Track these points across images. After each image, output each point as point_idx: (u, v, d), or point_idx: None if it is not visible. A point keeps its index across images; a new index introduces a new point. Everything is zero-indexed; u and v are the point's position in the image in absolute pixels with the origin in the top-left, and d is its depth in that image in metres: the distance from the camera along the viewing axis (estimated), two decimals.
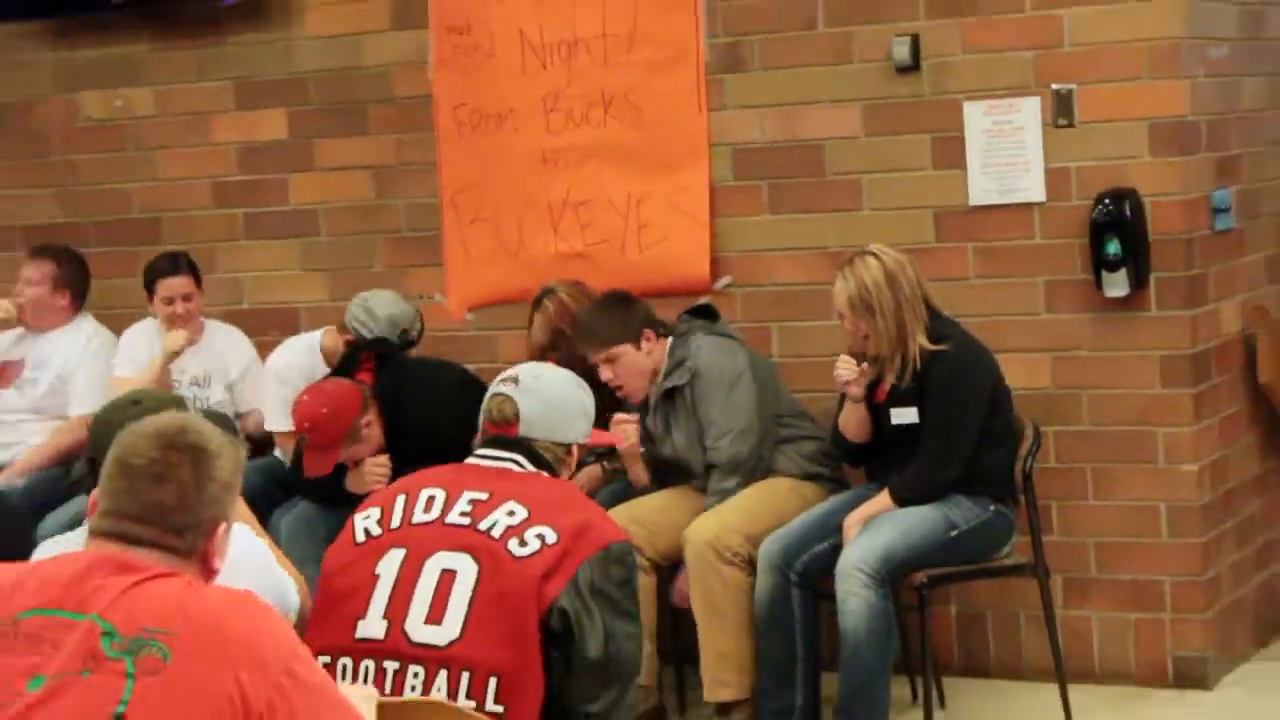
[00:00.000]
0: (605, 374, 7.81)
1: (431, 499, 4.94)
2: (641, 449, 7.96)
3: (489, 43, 9.06)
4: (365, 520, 5.00)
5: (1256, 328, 8.51)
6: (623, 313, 7.89)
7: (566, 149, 8.96)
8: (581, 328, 8.02)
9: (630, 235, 8.86)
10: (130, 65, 9.94)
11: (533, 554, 4.74)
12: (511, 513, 4.82)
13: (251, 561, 5.01)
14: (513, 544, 4.76)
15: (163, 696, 3.55)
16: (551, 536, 4.77)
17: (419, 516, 4.92)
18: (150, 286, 9.18)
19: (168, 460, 3.79)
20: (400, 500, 4.99)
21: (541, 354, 8.23)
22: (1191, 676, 8.02)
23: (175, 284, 9.13)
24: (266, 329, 9.52)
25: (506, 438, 5.06)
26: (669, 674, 8.03)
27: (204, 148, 9.84)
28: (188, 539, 3.79)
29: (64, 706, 3.56)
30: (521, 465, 5.03)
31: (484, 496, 4.89)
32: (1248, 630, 8.46)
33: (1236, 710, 7.85)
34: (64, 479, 9.18)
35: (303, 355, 8.77)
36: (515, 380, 5.14)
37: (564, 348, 8.18)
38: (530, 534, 4.78)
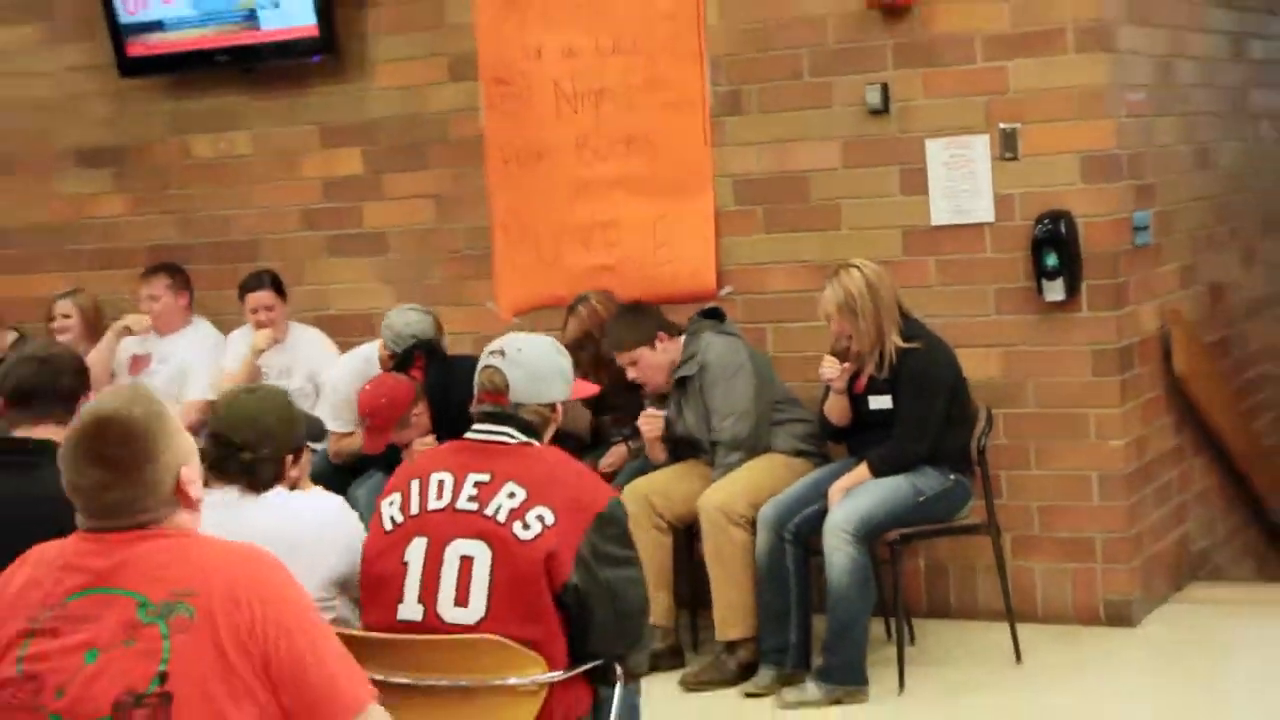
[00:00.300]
0: (630, 373, 7.88)
1: (441, 484, 4.87)
2: (663, 428, 8.00)
3: (529, 93, 9.07)
4: (390, 508, 4.93)
5: (1171, 326, 8.55)
6: (639, 321, 7.93)
7: (595, 180, 8.98)
8: (607, 336, 8.08)
9: (649, 251, 8.89)
10: (232, 113, 9.97)
11: (536, 537, 4.69)
12: (512, 494, 4.76)
13: (347, 528, 5.16)
14: (517, 527, 4.71)
15: (196, 649, 3.53)
16: (550, 517, 4.72)
17: (433, 503, 4.85)
18: (241, 298, 9.31)
19: (107, 467, 3.67)
20: (415, 485, 4.91)
21: (573, 353, 8.21)
22: (1119, 616, 8.08)
23: (258, 297, 9.26)
24: (346, 331, 9.52)
25: (499, 409, 4.98)
26: (684, 618, 8.05)
27: (293, 181, 9.87)
28: (158, 511, 3.72)
29: (116, 673, 3.53)
30: (513, 437, 4.94)
31: (486, 479, 4.81)
32: (1166, 577, 8.50)
33: (1157, 643, 7.92)
34: None
35: (359, 364, 8.80)
36: (502, 353, 5.04)
37: (593, 347, 8.26)
38: (531, 515, 4.72)
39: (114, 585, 3.62)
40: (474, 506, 4.79)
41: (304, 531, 4.99)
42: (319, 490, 5.36)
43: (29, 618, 3.65)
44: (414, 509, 4.88)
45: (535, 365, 5.06)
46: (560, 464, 4.97)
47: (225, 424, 5.13)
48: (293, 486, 5.22)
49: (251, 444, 5.05)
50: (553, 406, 5.08)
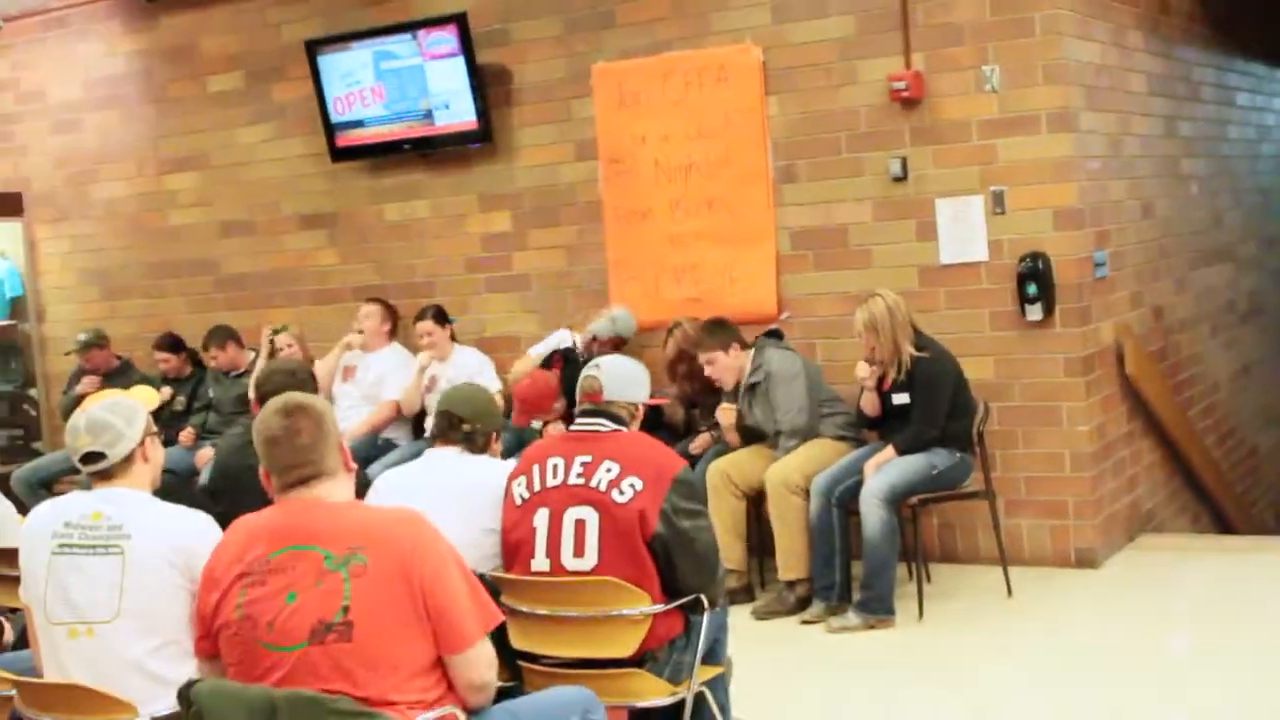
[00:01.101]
0: (707, 369, 7.91)
1: (556, 466, 4.91)
2: (736, 420, 7.96)
3: (635, 168, 9.11)
4: (518, 487, 4.96)
5: (1124, 339, 8.50)
6: (719, 331, 7.92)
7: (684, 233, 8.99)
8: (694, 340, 8.12)
9: (726, 285, 8.88)
10: (414, 186, 10.02)
11: (629, 500, 4.76)
12: (609, 469, 4.81)
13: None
14: (615, 494, 4.78)
15: (370, 590, 3.69)
16: (639, 484, 4.77)
17: (550, 481, 4.89)
18: (415, 326, 9.37)
19: (296, 417, 3.90)
20: (536, 468, 4.94)
21: (673, 364, 8.45)
22: (1086, 560, 8.05)
23: (422, 326, 9.32)
24: (498, 350, 9.56)
25: (596, 404, 5.07)
26: (754, 564, 8.03)
27: (459, 236, 9.90)
28: (331, 462, 3.89)
29: (310, 609, 3.70)
30: (605, 425, 5.00)
31: (589, 459, 4.86)
32: (1121, 531, 8.43)
33: (1114, 581, 7.86)
34: (374, 442, 9.38)
35: (558, 336, 9.05)
36: (598, 366, 5.17)
37: (687, 360, 8.30)
38: (625, 484, 4.78)
39: (304, 543, 3.78)
40: (581, 480, 4.85)
41: (499, 486, 5.12)
42: (510, 460, 5.43)
43: (241, 574, 3.79)
44: (536, 486, 4.93)
45: (621, 374, 5.18)
46: (643, 443, 5.03)
47: (453, 404, 5.38)
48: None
49: (470, 418, 5.28)
50: (636, 406, 5.17)
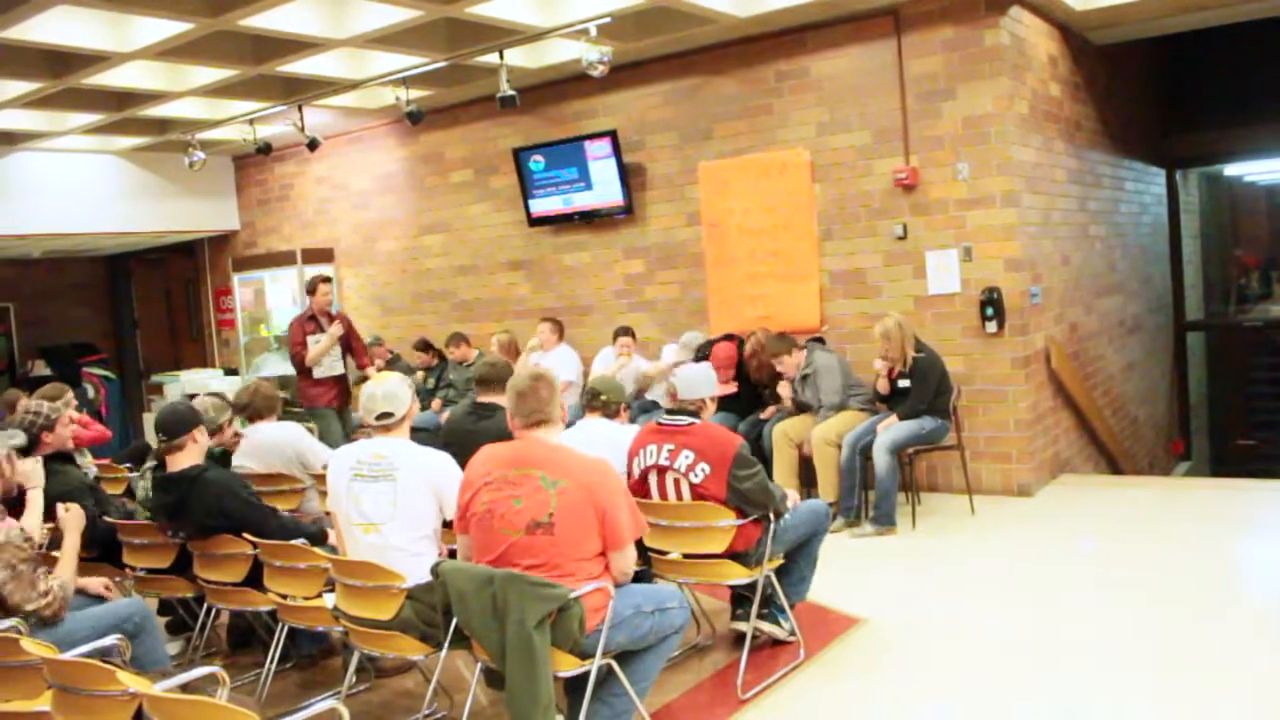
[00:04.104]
0: (777, 366, 7.72)
1: (652, 450, 4.74)
2: (792, 397, 7.78)
3: (726, 230, 8.95)
4: (637, 461, 4.81)
5: (1050, 345, 8.22)
6: (785, 341, 7.72)
7: (758, 273, 8.81)
8: (767, 345, 7.86)
9: (785, 308, 8.68)
10: (581, 243, 9.94)
11: (702, 481, 4.63)
12: (688, 456, 4.65)
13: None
14: (692, 476, 4.64)
15: (568, 502, 3.75)
16: (708, 468, 4.61)
17: (649, 460, 4.74)
18: (614, 340, 9.15)
19: (535, 385, 3.91)
20: (642, 451, 4.78)
21: (749, 359, 8.22)
22: (1024, 491, 7.80)
23: (624, 340, 9.10)
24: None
25: (675, 402, 4.82)
26: (804, 492, 7.76)
27: (610, 275, 9.79)
28: (552, 415, 3.91)
29: (528, 510, 3.75)
30: (682, 420, 4.74)
31: (673, 447, 4.69)
32: (1047, 472, 8.14)
33: (1044, 505, 7.59)
34: None
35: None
36: (675, 374, 4.92)
37: (760, 357, 8.07)
38: (699, 469, 4.63)
39: (528, 467, 3.83)
40: (668, 462, 4.75)
41: (625, 443, 5.02)
42: (634, 426, 5.32)
43: (487, 482, 3.86)
44: (645, 463, 4.82)
45: (690, 380, 4.92)
46: (710, 434, 4.78)
47: (595, 384, 5.31)
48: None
49: (604, 392, 5.22)
50: (703, 400, 4.89)
